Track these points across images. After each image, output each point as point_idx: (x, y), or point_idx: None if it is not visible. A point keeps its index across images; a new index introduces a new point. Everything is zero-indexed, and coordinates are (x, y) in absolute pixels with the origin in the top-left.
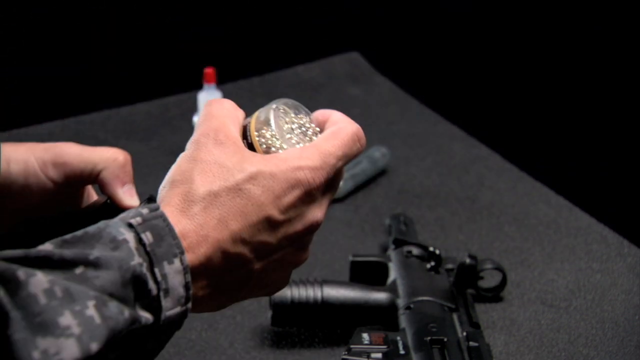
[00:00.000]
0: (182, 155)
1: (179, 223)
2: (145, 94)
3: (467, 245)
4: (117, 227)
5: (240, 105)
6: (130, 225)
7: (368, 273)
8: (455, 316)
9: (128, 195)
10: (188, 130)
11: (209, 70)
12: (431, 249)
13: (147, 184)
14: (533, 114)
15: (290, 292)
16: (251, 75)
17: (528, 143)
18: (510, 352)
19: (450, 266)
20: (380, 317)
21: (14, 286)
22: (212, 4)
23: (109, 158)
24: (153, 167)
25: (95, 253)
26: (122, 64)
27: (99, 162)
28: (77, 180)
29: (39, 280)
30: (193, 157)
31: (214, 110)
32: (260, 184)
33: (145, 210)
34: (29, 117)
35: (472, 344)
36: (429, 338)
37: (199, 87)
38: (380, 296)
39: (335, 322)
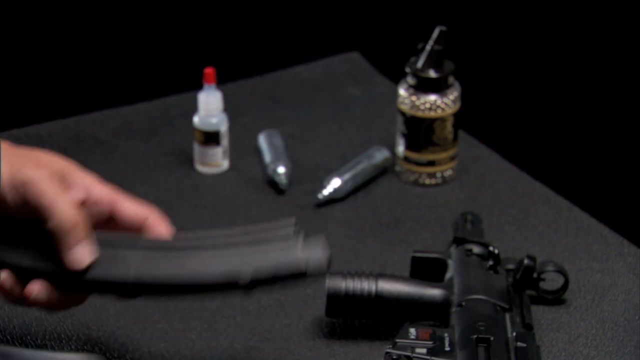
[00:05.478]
0: None
1: None
2: (145, 94)
3: None
4: None
5: (241, 105)
6: None
7: (428, 269)
8: (507, 316)
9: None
10: (188, 130)
11: (209, 70)
12: (491, 248)
13: (147, 184)
14: (533, 113)
15: (345, 284)
16: (251, 75)
17: (528, 143)
18: None
19: (510, 266)
20: (434, 313)
21: None
22: (212, 4)
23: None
24: (153, 167)
25: None
26: (122, 64)
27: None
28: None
29: None
30: None
31: None
32: None
33: None
34: (29, 117)
35: (519, 344)
36: (475, 336)
37: (199, 87)
38: (434, 292)
39: (389, 316)
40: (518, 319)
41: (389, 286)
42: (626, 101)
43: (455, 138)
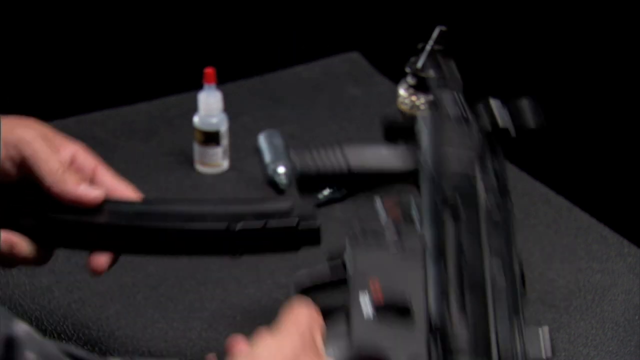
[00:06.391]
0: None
1: None
2: (145, 94)
3: None
4: None
5: (241, 106)
6: None
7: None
8: (479, 179)
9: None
10: (188, 130)
11: (209, 70)
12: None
13: (147, 184)
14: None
15: (314, 162)
16: (251, 75)
17: (528, 143)
18: None
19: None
20: (405, 180)
21: None
22: (212, 4)
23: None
24: (153, 167)
25: None
26: (122, 64)
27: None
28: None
29: None
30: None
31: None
32: None
33: None
34: (29, 117)
35: (494, 217)
36: (444, 206)
37: (199, 87)
38: (402, 159)
39: (360, 188)
40: (494, 183)
41: (358, 157)
42: (626, 101)
43: None
